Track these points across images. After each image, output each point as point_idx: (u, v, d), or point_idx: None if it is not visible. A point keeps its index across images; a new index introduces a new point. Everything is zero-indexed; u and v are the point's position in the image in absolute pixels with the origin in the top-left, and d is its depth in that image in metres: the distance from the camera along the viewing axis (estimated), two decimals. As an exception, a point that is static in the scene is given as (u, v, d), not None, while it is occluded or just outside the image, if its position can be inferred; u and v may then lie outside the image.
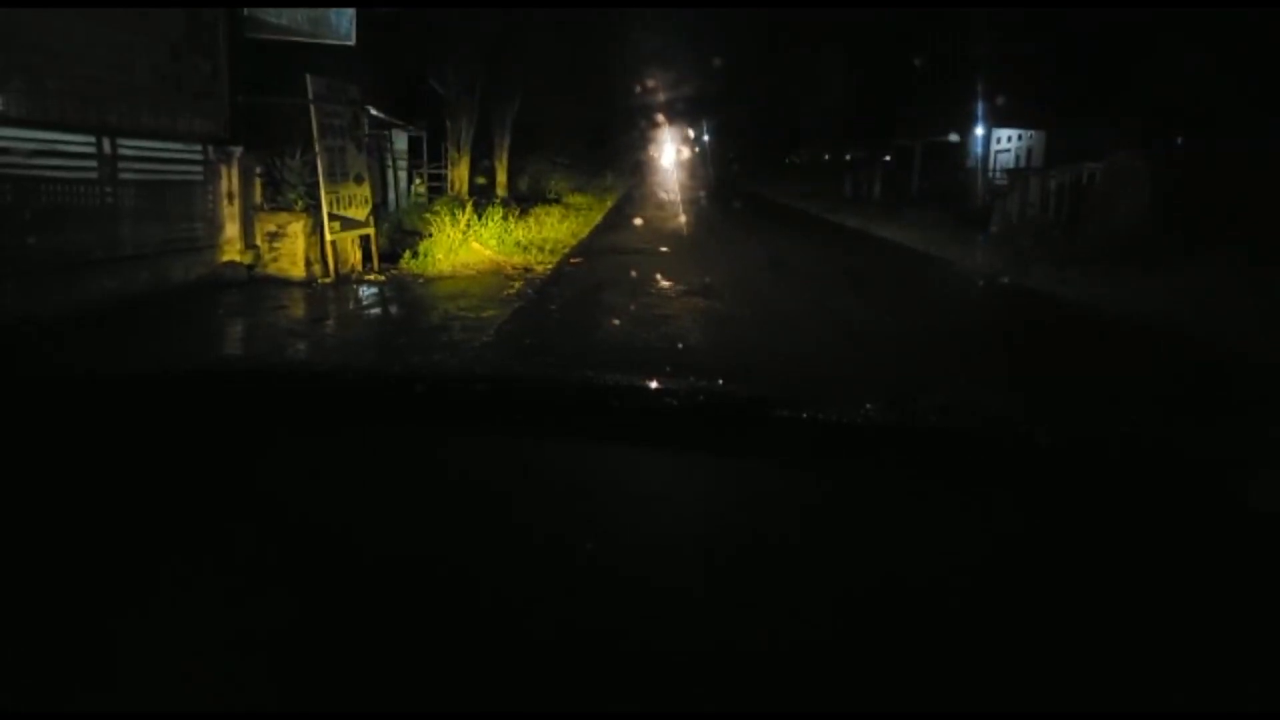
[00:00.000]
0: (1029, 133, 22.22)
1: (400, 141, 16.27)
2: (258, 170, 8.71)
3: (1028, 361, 5.77)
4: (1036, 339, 7.03)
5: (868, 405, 1.00)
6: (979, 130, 22.59)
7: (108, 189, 7.01)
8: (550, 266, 10.57)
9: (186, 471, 0.87)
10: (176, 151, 7.95)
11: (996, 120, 22.04)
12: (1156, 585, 0.69)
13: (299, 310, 7.49)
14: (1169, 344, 6.84)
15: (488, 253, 10.73)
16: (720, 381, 1.13)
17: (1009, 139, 22.87)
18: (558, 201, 19.97)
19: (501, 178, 20.11)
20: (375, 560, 0.70)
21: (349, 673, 0.56)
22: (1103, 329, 7.63)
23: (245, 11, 8.79)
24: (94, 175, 6.89)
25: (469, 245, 10.67)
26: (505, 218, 12.50)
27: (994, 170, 21.58)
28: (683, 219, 20.72)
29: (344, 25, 9.81)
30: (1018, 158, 22.07)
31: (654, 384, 1.08)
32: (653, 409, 1.05)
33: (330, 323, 7.23)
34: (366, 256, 9.51)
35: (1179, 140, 14.44)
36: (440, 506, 0.81)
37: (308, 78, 8.51)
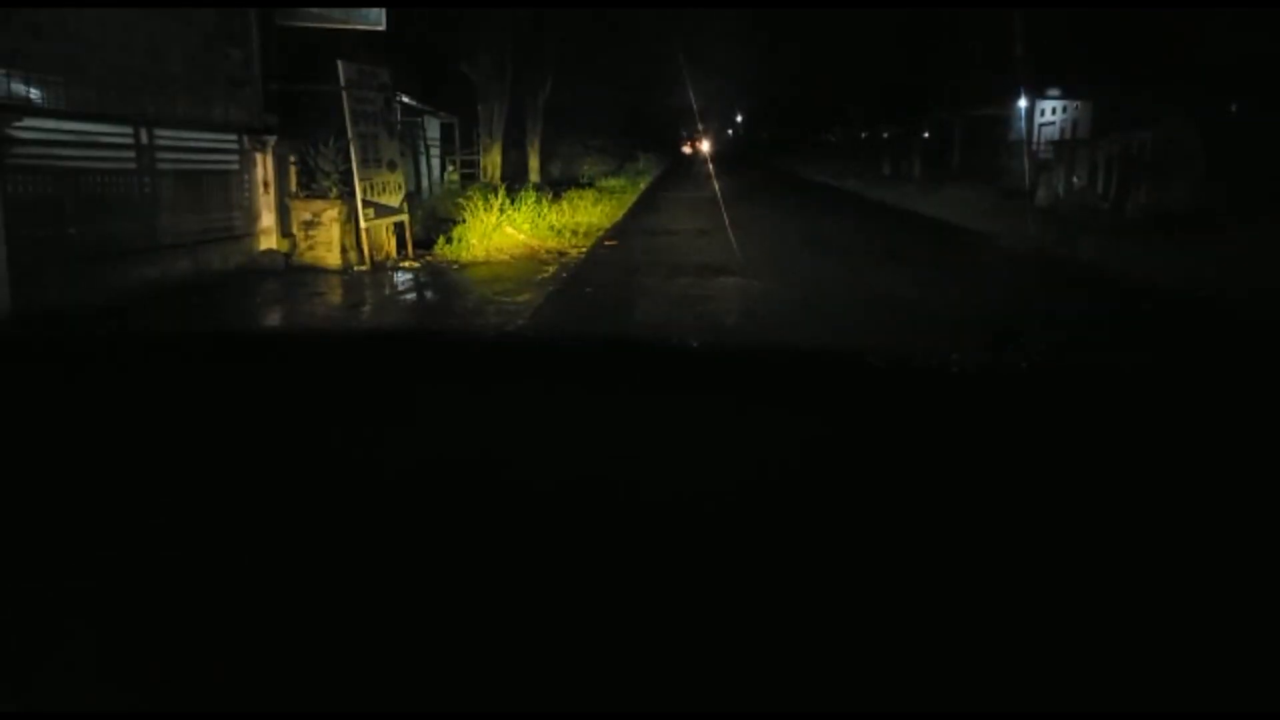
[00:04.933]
0: (1074, 103, 21.54)
1: (432, 128, 16.27)
2: (292, 158, 8.71)
3: (1081, 342, 5.55)
4: (1087, 316, 6.77)
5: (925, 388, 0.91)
6: (1021, 102, 22.00)
7: (145, 179, 7.05)
8: (584, 250, 10.49)
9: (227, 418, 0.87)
10: (211, 141, 7.97)
11: (1039, 92, 21.42)
12: None
13: (337, 297, 7.49)
14: (1228, 320, 6.54)
15: (521, 237, 10.67)
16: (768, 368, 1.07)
17: (1053, 110, 22.19)
18: (591, 185, 19.87)
19: (534, 163, 20.04)
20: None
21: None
22: (1160, 305, 7.35)
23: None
24: (132, 165, 6.92)
25: (503, 230, 10.62)
26: (538, 202, 12.44)
27: (1038, 143, 20.99)
28: (718, 199, 20.49)
29: (374, 11, 9.76)
30: (1062, 130, 21.40)
31: (693, 365, 1.03)
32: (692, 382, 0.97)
33: (368, 309, 7.22)
34: (401, 243, 9.50)
35: (1232, 107, 13.87)
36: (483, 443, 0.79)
37: (339, 64, 8.48)
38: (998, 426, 0.81)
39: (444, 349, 1.14)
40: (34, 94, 6.09)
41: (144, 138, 7.03)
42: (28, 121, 5.93)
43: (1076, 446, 0.76)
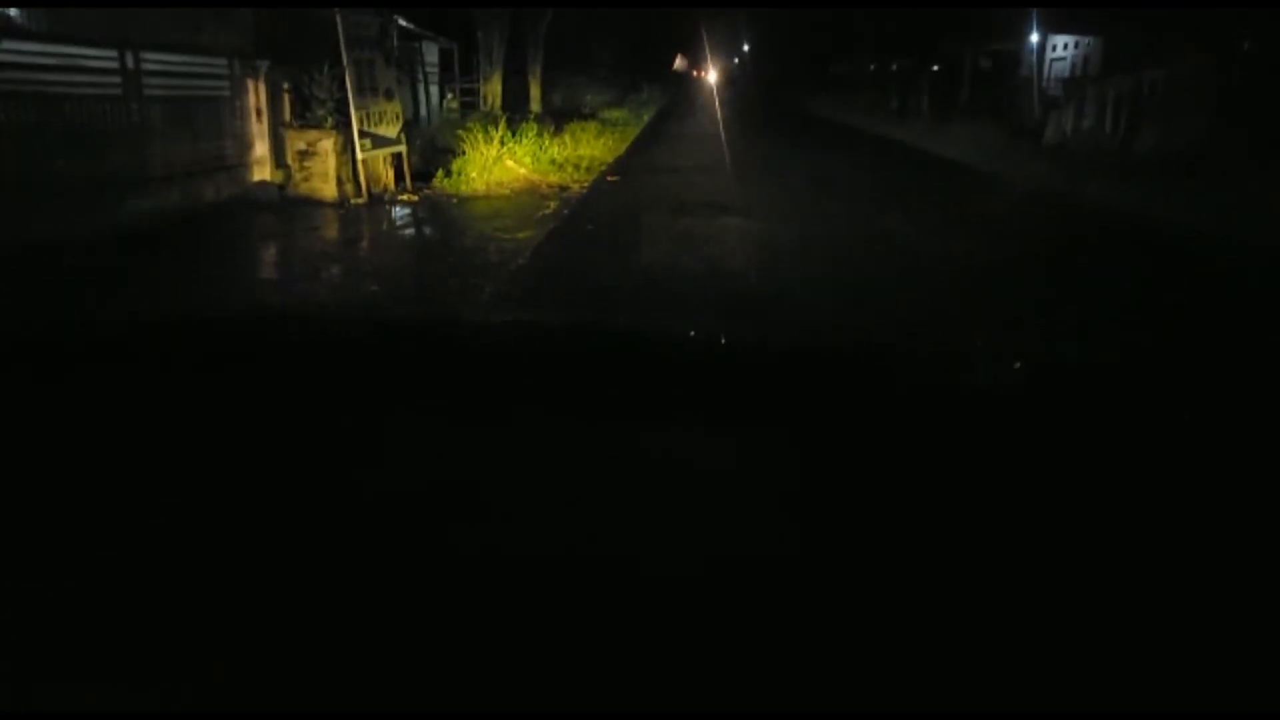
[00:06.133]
0: (1085, 39, 20.94)
1: (431, 54, 15.79)
2: (286, 86, 8.45)
3: (1087, 297, 5.46)
4: (1087, 263, 6.65)
5: (937, 364, 0.95)
6: (1033, 37, 21.39)
7: (133, 105, 6.84)
8: (586, 185, 10.29)
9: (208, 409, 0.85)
10: (201, 66, 7.72)
11: (1051, 26, 20.82)
12: None
13: (333, 233, 7.35)
14: (1234, 272, 6.44)
15: (522, 171, 10.45)
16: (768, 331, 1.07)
17: (1064, 46, 21.60)
18: (593, 117, 19.42)
19: (535, 92, 19.57)
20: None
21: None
22: (1162, 252, 7.23)
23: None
24: (118, 92, 6.70)
25: (503, 163, 10.40)
26: (540, 134, 12.15)
27: (1048, 80, 20.48)
28: (722, 134, 20.08)
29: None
30: (1073, 66, 20.87)
31: (688, 342, 1.03)
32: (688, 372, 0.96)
33: (365, 245, 7.10)
34: (399, 175, 9.30)
35: (1244, 45, 13.45)
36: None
37: (333, -15, 8.16)
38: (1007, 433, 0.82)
39: (436, 347, 1.10)
40: (14, 15, 5.86)
41: (130, 62, 6.79)
42: (8, 44, 5.71)
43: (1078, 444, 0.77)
